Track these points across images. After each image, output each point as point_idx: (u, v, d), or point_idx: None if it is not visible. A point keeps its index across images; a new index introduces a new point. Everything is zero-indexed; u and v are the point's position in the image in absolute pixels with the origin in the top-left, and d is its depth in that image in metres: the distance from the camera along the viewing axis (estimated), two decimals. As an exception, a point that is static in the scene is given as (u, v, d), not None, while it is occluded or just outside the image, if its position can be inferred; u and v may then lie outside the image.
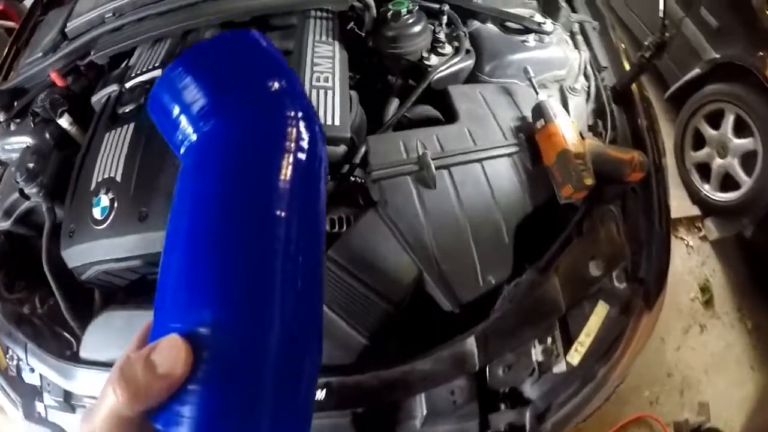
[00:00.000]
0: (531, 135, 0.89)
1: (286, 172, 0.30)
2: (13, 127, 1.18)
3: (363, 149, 0.89)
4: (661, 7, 0.92)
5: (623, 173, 0.92)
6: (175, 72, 0.32)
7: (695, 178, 1.90)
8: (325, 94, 0.92)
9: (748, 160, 1.71)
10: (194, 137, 0.31)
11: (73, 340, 1.04)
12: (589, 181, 0.83)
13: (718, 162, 1.82)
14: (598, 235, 0.91)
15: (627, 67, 1.11)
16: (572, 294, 0.86)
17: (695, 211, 1.88)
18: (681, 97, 1.94)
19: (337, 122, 0.87)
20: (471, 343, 0.78)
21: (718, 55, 1.76)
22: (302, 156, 0.31)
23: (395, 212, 0.80)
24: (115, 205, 0.89)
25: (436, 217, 0.82)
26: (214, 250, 0.28)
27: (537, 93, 0.91)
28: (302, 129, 0.32)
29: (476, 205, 0.83)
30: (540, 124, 0.87)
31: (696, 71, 1.81)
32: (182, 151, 0.33)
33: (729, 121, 1.75)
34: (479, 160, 0.86)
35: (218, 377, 0.25)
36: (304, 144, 0.31)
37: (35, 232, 1.15)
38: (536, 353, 0.83)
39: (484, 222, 0.83)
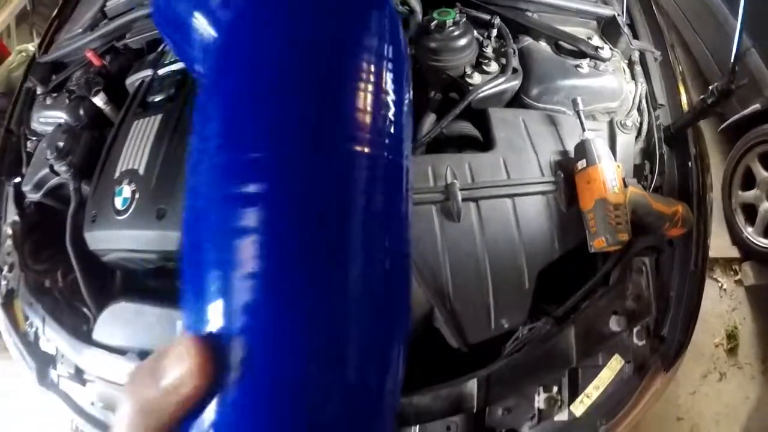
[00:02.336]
0: (570, 175, 0.83)
1: (360, 82, 0.22)
2: (49, 101, 1.19)
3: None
4: (734, 50, 0.82)
5: (664, 228, 0.85)
6: None
7: (739, 218, 1.77)
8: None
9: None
10: (215, 34, 0.23)
11: (90, 315, 1.07)
12: (624, 237, 0.76)
13: (766, 206, 1.68)
14: (624, 289, 0.85)
15: (686, 105, 1.01)
16: (587, 347, 0.82)
17: (734, 252, 1.76)
18: (737, 131, 1.78)
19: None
20: (472, 385, 0.75)
21: (782, 93, 1.60)
22: (382, 62, 0.23)
23: (413, 242, 0.77)
24: (136, 197, 0.89)
25: (456, 253, 0.78)
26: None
27: (584, 129, 0.84)
28: (379, 20, 0.23)
29: (500, 244, 0.79)
30: (581, 164, 0.81)
31: (756, 106, 1.66)
32: (200, 66, 0.26)
33: (785, 164, 1.61)
34: (511, 196, 0.81)
35: (251, 387, 0.19)
36: (385, 44, 0.23)
37: (64, 205, 1.18)
38: (539, 400, 0.80)
39: (506, 263, 0.78)
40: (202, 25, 0.24)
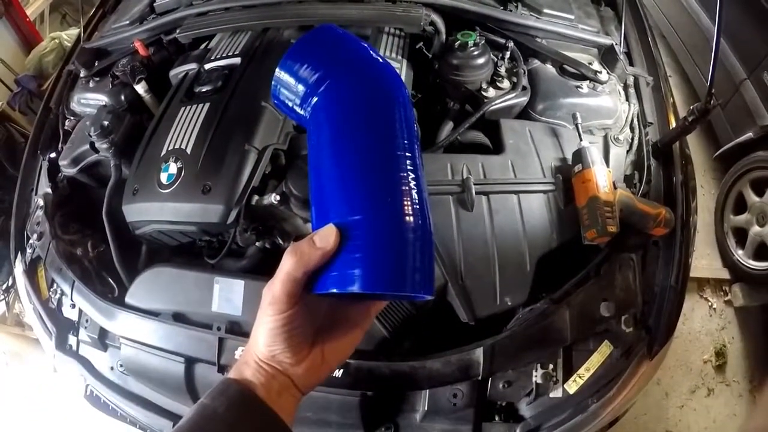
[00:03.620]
0: (568, 177, 1.05)
1: (394, 109, 0.45)
2: (91, 84, 1.39)
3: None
4: (710, 76, 1.07)
5: (648, 226, 1.06)
6: (288, 60, 0.48)
7: (731, 241, 2.02)
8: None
9: (787, 233, 1.83)
10: (315, 99, 0.46)
11: (115, 286, 1.24)
12: (612, 229, 0.98)
13: (756, 229, 1.94)
14: (613, 280, 1.06)
15: (672, 124, 1.26)
16: (580, 328, 1.01)
17: (725, 274, 2.01)
18: (730, 158, 2.06)
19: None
20: (479, 353, 0.94)
21: (774, 123, 1.88)
22: (401, 96, 0.47)
23: (433, 226, 0.97)
24: (182, 174, 1.07)
25: (468, 237, 0.98)
26: (350, 171, 0.43)
27: (581, 139, 1.07)
28: (395, 77, 0.49)
29: (506, 232, 1.00)
30: (578, 168, 1.03)
31: (748, 135, 1.94)
32: (308, 116, 0.48)
33: (774, 190, 1.87)
34: (516, 192, 1.03)
35: (361, 251, 0.40)
36: (401, 88, 0.48)
37: (96, 183, 1.37)
38: (537, 376, 0.98)
39: (510, 249, 0.99)
40: (304, 94, 0.49)
